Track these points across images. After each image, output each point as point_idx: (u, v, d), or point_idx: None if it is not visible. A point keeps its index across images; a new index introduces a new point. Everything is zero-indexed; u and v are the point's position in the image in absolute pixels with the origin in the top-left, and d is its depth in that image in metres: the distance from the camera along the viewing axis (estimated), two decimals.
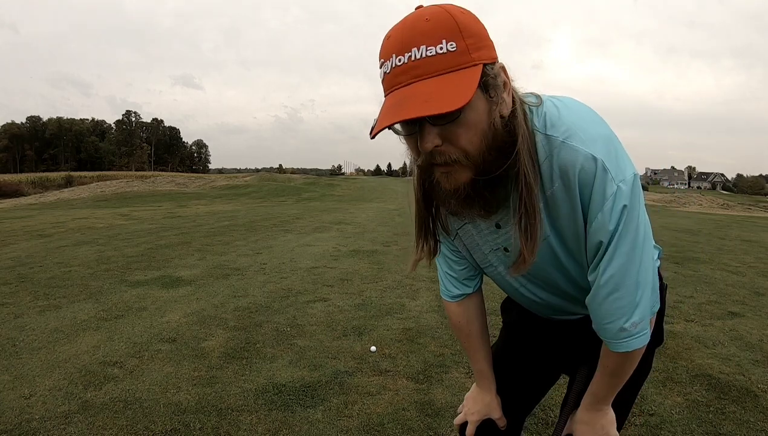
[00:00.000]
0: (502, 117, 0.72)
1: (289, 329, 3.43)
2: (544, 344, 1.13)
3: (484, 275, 1.10)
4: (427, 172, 0.78)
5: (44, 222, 11.17)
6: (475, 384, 1.17)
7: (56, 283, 4.80)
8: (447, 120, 0.68)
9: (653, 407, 2.29)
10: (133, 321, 3.60)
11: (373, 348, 3.04)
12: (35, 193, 34.69)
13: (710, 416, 2.23)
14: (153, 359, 2.89)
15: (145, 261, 5.96)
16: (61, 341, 3.18)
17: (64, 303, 4.08)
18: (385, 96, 0.72)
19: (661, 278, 1.03)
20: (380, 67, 0.72)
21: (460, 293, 1.09)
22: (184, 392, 2.47)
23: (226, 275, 5.14)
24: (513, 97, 0.74)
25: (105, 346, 3.11)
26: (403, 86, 0.68)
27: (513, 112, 0.74)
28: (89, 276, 5.12)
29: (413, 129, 0.72)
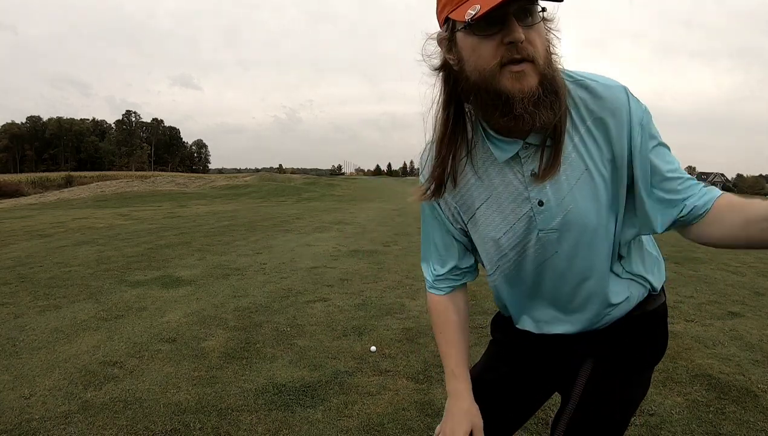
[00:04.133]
0: (550, 50, 0.81)
1: (289, 329, 3.43)
2: (539, 361, 1.06)
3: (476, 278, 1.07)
4: (492, 77, 0.78)
5: (44, 222, 11.17)
6: (448, 400, 1.08)
7: (56, 283, 4.80)
8: (530, 22, 0.76)
9: (653, 407, 2.29)
10: (133, 321, 3.60)
11: (373, 348, 3.04)
12: (35, 194, 34.67)
13: (710, 416, 2.23)
14: (153, 359, 2.89)
15: (145, 261, 5.96)
16: (61, 341, 3.18)
17: (64, 303, 4.09)
18: (460, 5, 0.77)
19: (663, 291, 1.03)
20: None
21: (446, 286, 1.06)
22: (184, 392, 2.47)
23: (226, 275, 5.15)
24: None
25: (105, 346, 3.11)
26: None
27: (554, 50, 0.82)
28: (89, 276, 5.12)
29: (495, 28, 0.76)
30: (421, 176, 1.01)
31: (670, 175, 0.85)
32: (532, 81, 0.76)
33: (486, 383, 1.10)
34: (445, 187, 0.93)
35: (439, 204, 0.99)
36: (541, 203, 0.88)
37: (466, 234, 1.01)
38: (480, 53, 0.78)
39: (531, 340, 1.04)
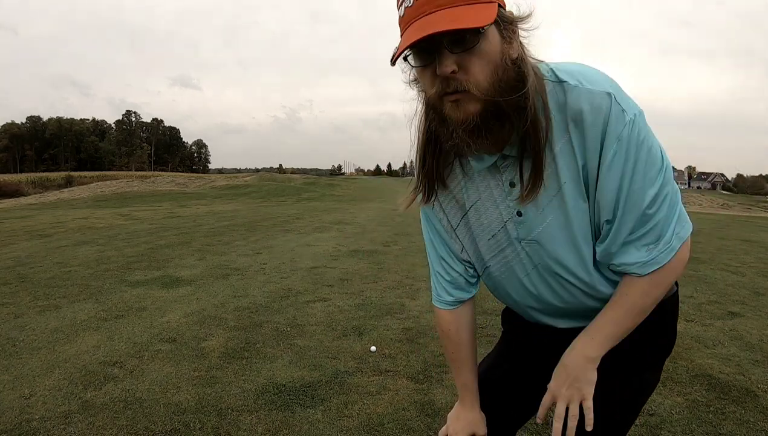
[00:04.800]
0: (511, 60, 0.75)
1: (289, 329, 3.43)
2: (545, 355, 1.05)
3: (481, 283, 1.07)
4: (437, 105, 0.78)
5: (44, 222, 11.17)
6: (458, 402, 1.11)
7: (56, 283, 4.80)
8: (465, 47, 0.72)
9: (653, 407, 2.29)
10: (133, 321, 3.60)
11: (373, 348, 3.04)
12: (35, 193, 34.65)
13: (710, 416, 2.23)
14: (153, 359, 2.89)
15: (145, 261, 5.96)
16: (61, 341, 3.18)
17: (64, 303, 4.08)
18: (404, 31, 0.75)
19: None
20: (400, 6, 0.76)
21: (453, 299, 1.05)
22: (184, 392, 2.47)
23: (226, 275, 5.15)
24: (521, 45, 0.78)
25: (105, 346, 3.11)
26: (428, 14, 0.71)
27: (521, 56, 0.77)
28: (89, 276, 5.12)
29: (430, 58, 0.74)
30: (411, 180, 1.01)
31: (619, 235, 0.82)
32: (471, 108, 0.74)
33: (489, 382, 1.11)
34: (436, 193, 0.92)
35: (435, 213, 1.00)
36: (519, 214, 0.88)
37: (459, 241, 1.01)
38: (423, 81, 0.79)
39: (537, 330, 1.04)
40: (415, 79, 0.83)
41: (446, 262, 1.03)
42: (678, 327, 3.30)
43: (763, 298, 4.37)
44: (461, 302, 1.06)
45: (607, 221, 0.83)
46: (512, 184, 0.86)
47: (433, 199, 0.93)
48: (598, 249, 0.86)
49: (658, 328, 0.98)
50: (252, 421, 2.20)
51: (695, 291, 4.53)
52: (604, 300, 0.93)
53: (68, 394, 2.45)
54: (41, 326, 3.48)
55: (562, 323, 1.00)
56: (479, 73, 0.73)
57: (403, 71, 0.83)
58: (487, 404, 1.09)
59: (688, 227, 0.86)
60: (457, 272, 1.03)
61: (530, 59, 0.78)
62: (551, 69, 0.80)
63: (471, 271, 1.04)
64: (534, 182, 0.81)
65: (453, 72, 0.72)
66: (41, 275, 5.20)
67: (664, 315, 0.97)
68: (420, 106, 0.86)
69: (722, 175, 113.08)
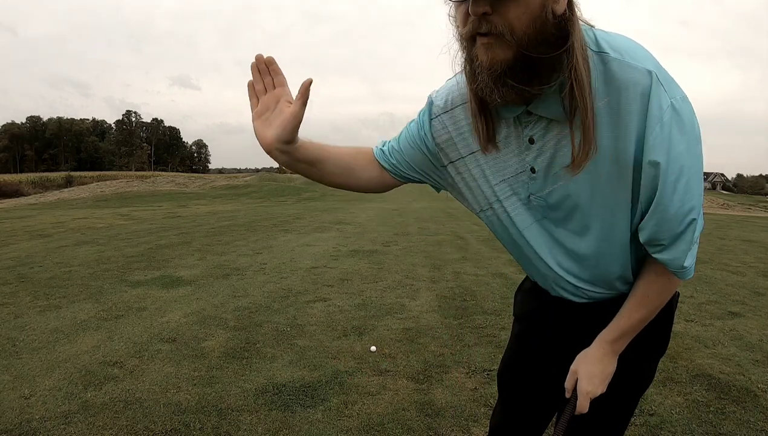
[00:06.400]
0: (554, 15, 0.72)
1: (289, 329, 3.43)
2: (563, 340, 1.05)
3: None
4: (467, 44, 0.76)
5: (44, 222, 11.17)
6: None
7: (56, 283, 4.80)
8: None
9: (653, 407, 2.29)
10: (133, 321, 3.60)
11: (373, 348, 3.04)
12: (35, 193, 34.61)
13: (710, 416, 2.23)
14: (153, 359, 2.89)
15: (145, 261, 5.96)
16: (61, 341, 3.18)
17: (64, 303, 4.08)
18: None
19: None
20: None
21: (381, 153, 1.02)
22: (184, 392, 2.47)
23: (226, 275, 5.15)
24: (569, 4, 0.74)
25: (105, 346, 3.11)
26: None
27: (567, 14, 0.73)
28: (89, 276, 5.12)
29: None
30: (436, 98, 0.96)
31: (652, 231, 0.80)
32: (500, 54, 0.72)
33: (515, 374, 1.14)
34: (494, 133, 0.88)
35: (432, 135, 0.96)
36: (533, 170, 0.87)
37: (421, 166, 0.99)
38: (457, 17, 0.77)
39: (547, 309, 1.04)
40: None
41: (395, 149, 1.01)
42: (678, 327, 3.30)
43: (763, 298, 4.37)
44: (379, 162, 1.02)
45: (642, 207, 0.81)
46: (531, 141, 0.85)
47: (497, 138, 0.89)
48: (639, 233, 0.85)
49: (663, 321, 1.00)
50: (252, 421, 2.20)
51: (695, 291, 4.53)
52: (592, 288, 0.94)
53: (68, 394, 2.45)
54: (41, 326, 3.48)
55: (554, 292, 1.00)
56: (515, 19, 0.70)
57: (445, 2, 0.79)
58: (518, 396, 1.12)
59: (702, 223, 0.85)
60: (394, 161, 1.01)
61: (579, 20, 0.75)
62: (595, 38, 0.78)
63: (403, 173, 1.02)
64: (585, 149, 0.77)
65: (485, 13, 0.70)
66: (41, 275, 5.20)
67: (668, 309, 0.99)
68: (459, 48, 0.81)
69: (722, 175, 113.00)
